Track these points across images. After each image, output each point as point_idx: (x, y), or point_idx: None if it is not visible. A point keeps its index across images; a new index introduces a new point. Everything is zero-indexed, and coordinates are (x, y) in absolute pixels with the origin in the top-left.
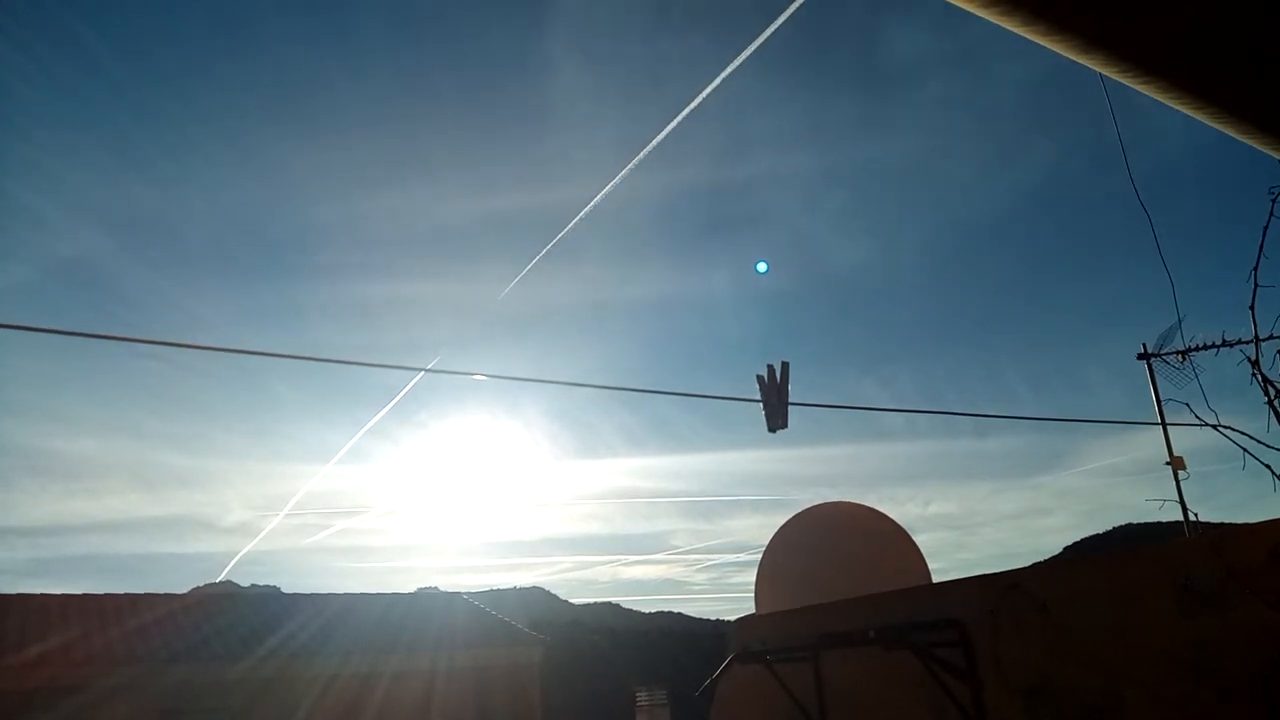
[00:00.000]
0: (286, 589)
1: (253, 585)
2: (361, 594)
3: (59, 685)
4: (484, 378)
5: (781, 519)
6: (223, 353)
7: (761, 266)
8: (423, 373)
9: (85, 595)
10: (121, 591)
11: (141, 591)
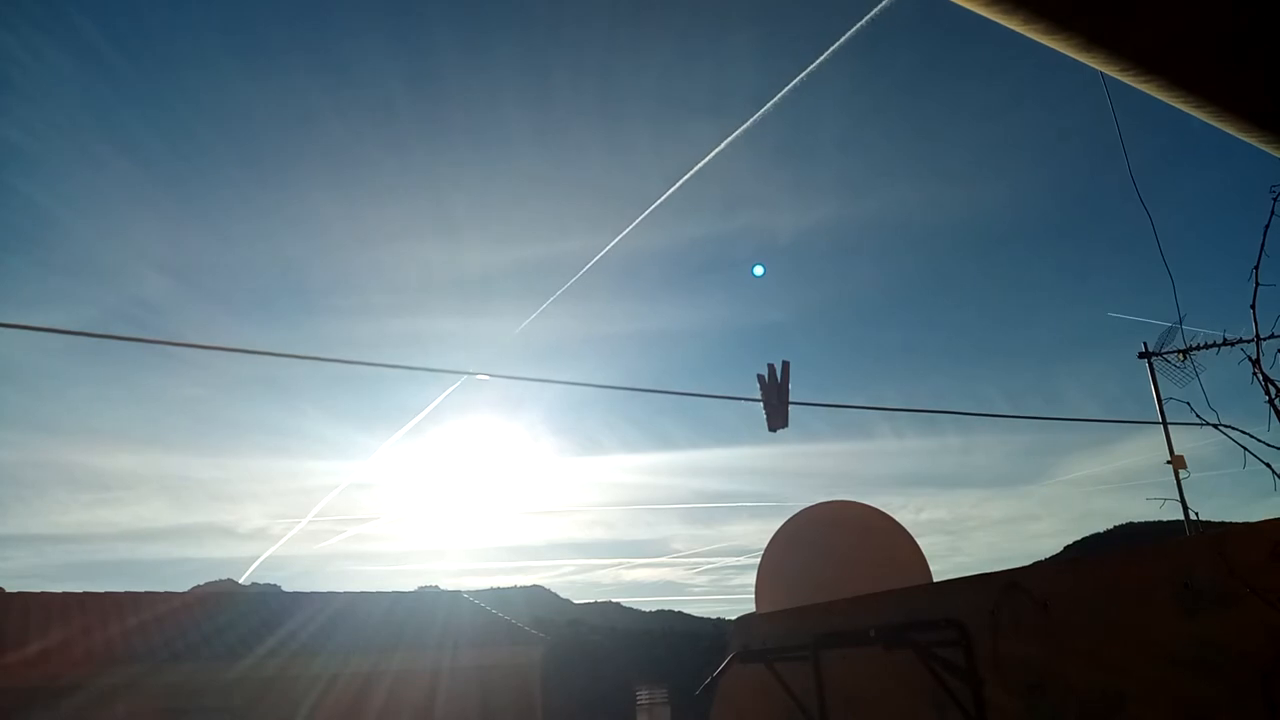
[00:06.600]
0: (287, 588)
1: (253, 584)
2: (362, 593)
3: (59, 683)
4: (486, 377)
5: (779, 524)
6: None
7: (758, 270)
8: (462, 378)
9: (85, 593)
10: (122, 590)
11: (143, 590)
